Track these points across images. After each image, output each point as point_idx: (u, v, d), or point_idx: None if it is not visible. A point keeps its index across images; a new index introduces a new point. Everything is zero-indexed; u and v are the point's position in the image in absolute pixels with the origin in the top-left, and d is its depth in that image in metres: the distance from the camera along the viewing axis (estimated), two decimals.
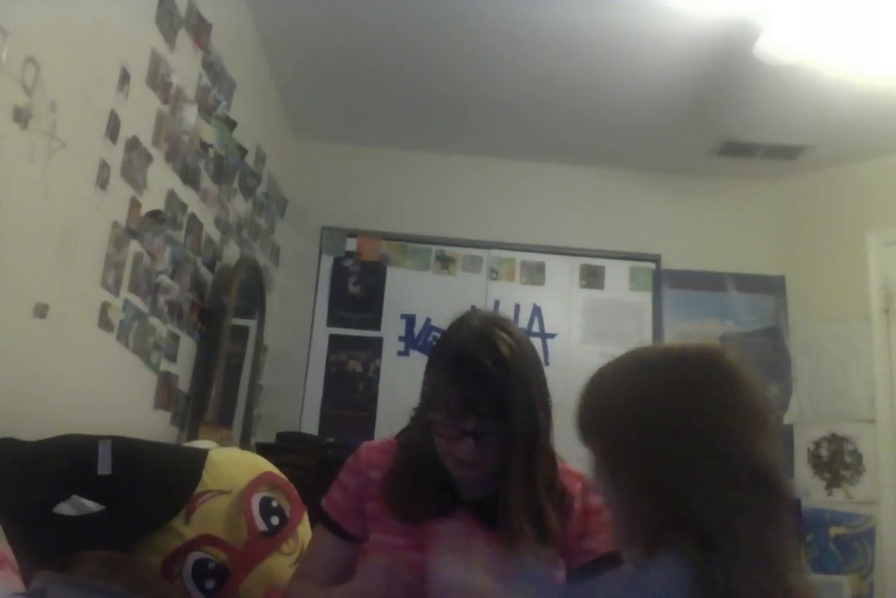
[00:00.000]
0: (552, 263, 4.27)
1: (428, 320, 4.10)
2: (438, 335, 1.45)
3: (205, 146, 2.73)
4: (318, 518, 1.46)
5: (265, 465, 1.84)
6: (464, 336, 1.33)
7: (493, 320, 1.36)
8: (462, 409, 1.27)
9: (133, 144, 2.15)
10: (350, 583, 1.31)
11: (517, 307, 4.12)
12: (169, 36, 2.33)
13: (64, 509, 1.53)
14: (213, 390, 2.87)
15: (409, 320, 4.13)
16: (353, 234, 4.23)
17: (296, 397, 3.98)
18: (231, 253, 3.20)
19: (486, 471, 1.33)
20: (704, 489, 0.90)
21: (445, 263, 4.23)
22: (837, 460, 3.80)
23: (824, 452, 3.84)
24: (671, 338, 4.15)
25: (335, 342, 4.10)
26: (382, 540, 1.36)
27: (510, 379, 1.27)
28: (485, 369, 1.26)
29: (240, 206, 3.29)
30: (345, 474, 1.46)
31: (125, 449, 1.63)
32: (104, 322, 2.07)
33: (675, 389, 0.96)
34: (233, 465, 1.75)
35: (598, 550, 1.34)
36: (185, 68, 2.50)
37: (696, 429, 0.93)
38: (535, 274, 4.26)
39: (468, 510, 1.37)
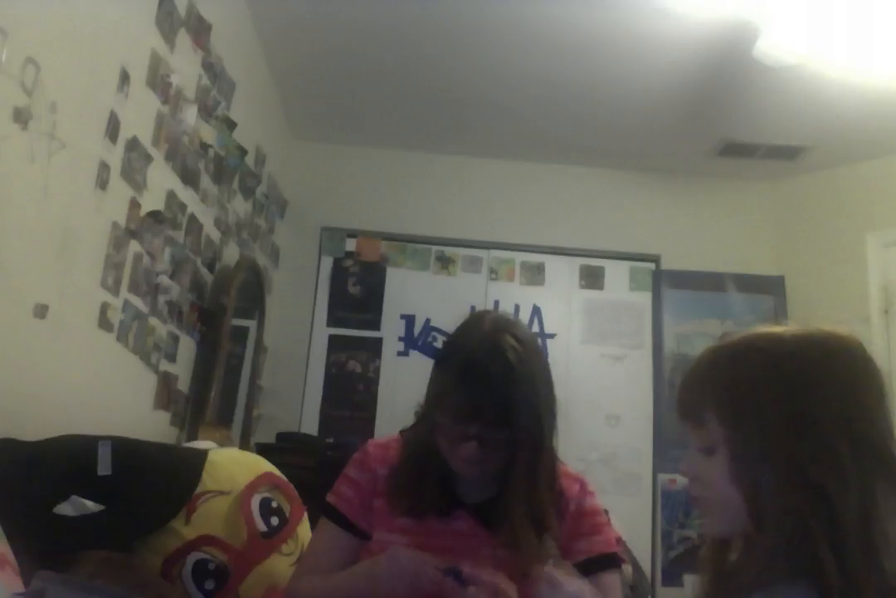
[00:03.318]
0: (552, 264, 4.27)
1: (428, 321, 4.10)
2: (447, 335, 1.44)
3: (204, 147, 2.73)
4: (325, 514, 1.43)
5: (265, 465, 1.84)
6: (473, 341, 1.32)
7: (503, 324, 1.35)
8: (466, 413, 1.28)
9: (133, 144, 2.15)
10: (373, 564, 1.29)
11: (517, 307, 4.12)
12: (169, 36, 2.33)
13: (64, 509, 1.53)
14: (212, 390, 2.87)
15: (409, 320, 4.13)
16: (352, 234, 4.23)
17: (296, 398, 3.98)
18: (231, 253, 3.20)
19: (488, 470, 1.34)
20: (850, 483, 0.88)
21: (445, 263, 4.23)
22: None
23: None
24: (670, 339, 4.16)
25: (335, 343, 4.09)
26: (386, 538, 1.36)
27: (516, 386, 1.27)
28: (491, 376, 1.26)
29: (239, 206, 3.29)
30: (353, 470, 1.45)
31: (125, 450, 1.63)
32: (104, 322, 2.07)
33: (831, 376, 0.94)
34: (232, 465, 1.75)
35: (591, 550, 1.35)
36: (185, 69, 2.50)
37: (855, 423, 0.91)
38: (535, 274, 4.26)
39: (469, 512, 1.37)
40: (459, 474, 1.36)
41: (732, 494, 0.94)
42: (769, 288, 4.25)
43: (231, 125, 2.97)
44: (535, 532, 1.30)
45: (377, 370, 4.05)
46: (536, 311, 4.18)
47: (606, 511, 1.46)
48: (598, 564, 1.34)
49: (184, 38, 2.46)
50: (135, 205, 2.20)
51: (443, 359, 1.37)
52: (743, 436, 0.94)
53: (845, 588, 0.84)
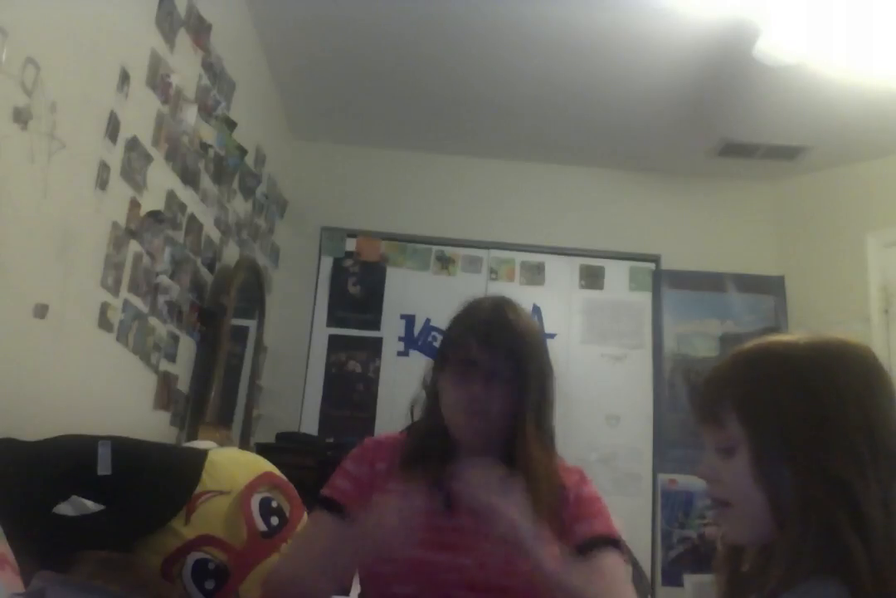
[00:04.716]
0: (552, 264, 4.27)
1: (428, 321, 4.10)
2: (442, 331, 1.55)
3: (204, 147, 2.73)
4: (320, 505, 1.43)
5: (265, 465, 1.84)
6: (475, 307, 1.46)
7: (503, 298, 1.49)
8: (475, 344, 1.37)
9: (133, 144, 2.15)
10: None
11: None
12: (169, 36, 2.33)
13: (64, 509, 1.53)
14: (212, 390, 2.87)
15: (409, 320, 4.13)
16: (352, 234, 4.23)
17: (295, 398, 3.98)
18: (231, 253, 3.20)
19: (492, 422, 1.36)
20: (870, 479, 0.90)
21: (445, 263, 4.23)
22: None
23: None
24: (670, 339, 4.16)
25: (335, 343, 4.09)
26: None
27: (520, 326, 1.40)
28: (498, 315, 1.40)
29: (239, 206, 3.29)
30: (351, 464, 1.47)
31: (125, 449, 1.63)
32: (104, 322, 2.07)
33: (846, 379, 0.96)
34: (232, 465, 1.75)
35: (591, 531, 1.37)
36: (185, 69, 2.50)
37: (871, 424, 0.93)
38: (535, 274, 4.26)
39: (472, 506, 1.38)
40: (464, 431, 1.39)
41: (754, 493, 0.95)
42: (769, 288, 4.25)
43: (231, 125, 2.97)
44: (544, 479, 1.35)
45: (377, 370, 4.05)
46: (536, 311, 4.17)
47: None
48: (597, 543, 1.35)
49: (184, 38, 2.46)
50: (135, 205, 2.20)
51: (452, 319, 1.48)
52: (765, 435, 0.96)
53: (874, 580, 0.85)
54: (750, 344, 1.04)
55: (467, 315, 1.45)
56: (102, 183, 2.00)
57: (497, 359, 1.36)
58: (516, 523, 1.19)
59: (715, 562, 1.06)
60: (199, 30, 2.59)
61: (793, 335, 1.03)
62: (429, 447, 1.41)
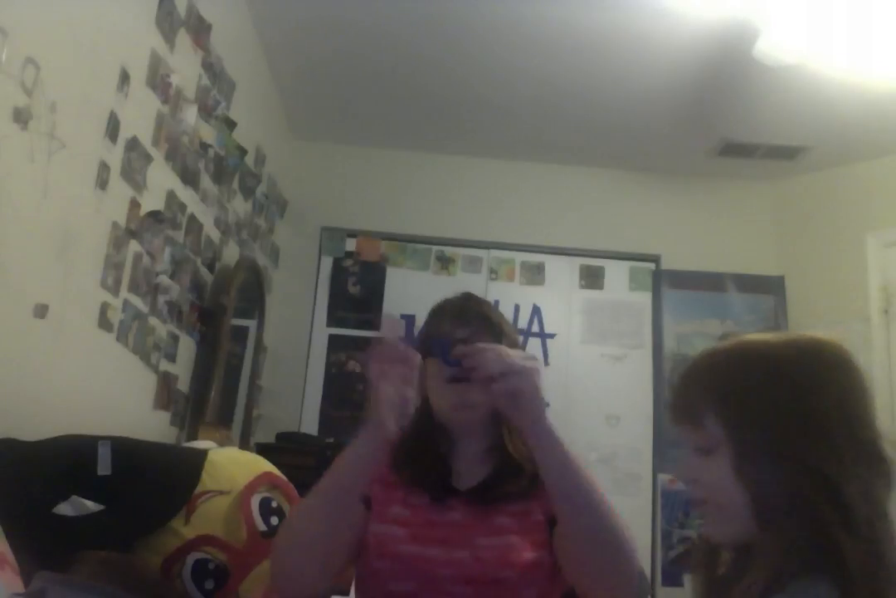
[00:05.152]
0: (552, 264, 4.27)
1: None
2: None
3: (204, 147, 2.73)
4: None
5: (265, 465, 1.84)
6: (447, 297, 1.55)
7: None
8: (451, 319, 1.45)
9: (133, 144, 2.15)
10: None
11: (517, 307, 4.12)
12: (169, 36, 2.33)
13: (64, 509, 1.53)
14: (212, 390, 2.87)
15: (409, 320, 4.12)
16: (352, 234, 4.23)
17: (295, 398, 3.98)
18: (231, 253, 3.20)
19: (481, 394, 1.34)
20: (849, 470, 0.90)
21: (445, 263, 4.23)
22: None
23: None
24: (670, 339, 4.16)
25: (335, 343, 4.10)
26: (382, 530, 1.37)
27: (488, 303, 1.52)
28: (466, 297, 1.52)
29: (239, 206, 3.29)
30: None
31: (125, 449, 1.63)
32: (104, 322, 2.07)
33: (828, 378, 0.97)
34: (232, 465, 1.75)
35: None
36: (185, 69, 2.50)
37: (850, 419, 0.94)
38: (535, 274, 4.26)
39: (463, 501, 1.39)
40: (455, 413, 1.41)
41: (735, 492, 0.95)
42: (769, 288, 4.25)
43: (231, 125, 2.97)
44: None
45: None
46: (536, 311, 4.18)
47: None
48: None
49: (184, 38, 2.46)
50: (135, 205, 2.20)
51: (424, 324, 1.53)
52: (749, 432, 0.95)
53: (863, 576, 0.85)
54: (725, 344, 1.04)
55: (438, 307, 1.53)
56: (102, 183, 2.00)
57: (473, 326, 1.42)
58: (536, 375, 1.23)
59: (692, 563, 1.06)
60: (199, 30, 2.59)
61: (765, 334, 1.03)
62: (423, 443, 1.44)
